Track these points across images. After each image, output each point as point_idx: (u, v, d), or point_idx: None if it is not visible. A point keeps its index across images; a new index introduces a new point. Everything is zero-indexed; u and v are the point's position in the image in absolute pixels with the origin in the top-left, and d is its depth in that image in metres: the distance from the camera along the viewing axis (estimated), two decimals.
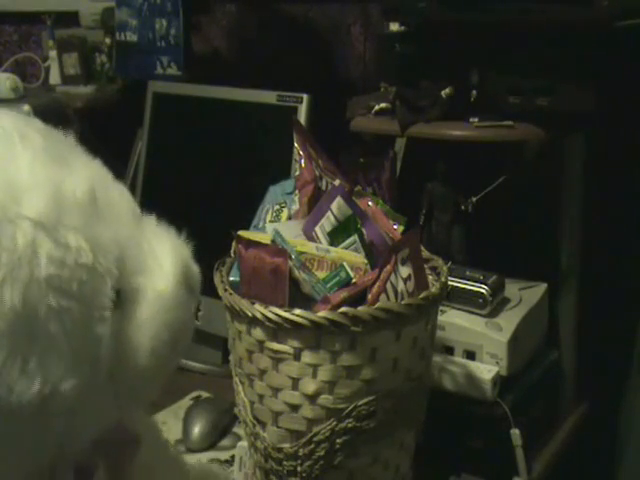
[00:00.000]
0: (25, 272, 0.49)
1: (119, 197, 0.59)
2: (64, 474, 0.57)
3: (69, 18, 1.63)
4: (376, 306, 0.73)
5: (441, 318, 0.99)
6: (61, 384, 0.51)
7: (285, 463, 0.79)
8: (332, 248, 0.82)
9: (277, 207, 0.91)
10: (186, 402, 1.14)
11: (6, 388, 0.49)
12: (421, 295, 0.76)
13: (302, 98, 1.19)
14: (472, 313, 1.01)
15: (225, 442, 1.06)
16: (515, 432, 0.96)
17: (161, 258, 0.59)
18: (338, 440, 0.76)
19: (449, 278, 0.86)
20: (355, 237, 0.82)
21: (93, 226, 0.54)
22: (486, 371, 0.96)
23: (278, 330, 0.74)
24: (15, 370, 0.49)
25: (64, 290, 0.51)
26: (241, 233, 0.83)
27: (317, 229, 0.85)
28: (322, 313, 0.72)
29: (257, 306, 0.74)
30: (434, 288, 0.79)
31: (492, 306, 1.01)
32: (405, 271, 0.77)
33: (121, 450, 0.61)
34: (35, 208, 0.51)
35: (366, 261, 0.81)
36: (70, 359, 0.52)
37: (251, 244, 0.78)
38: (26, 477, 0.55)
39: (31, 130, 0.56)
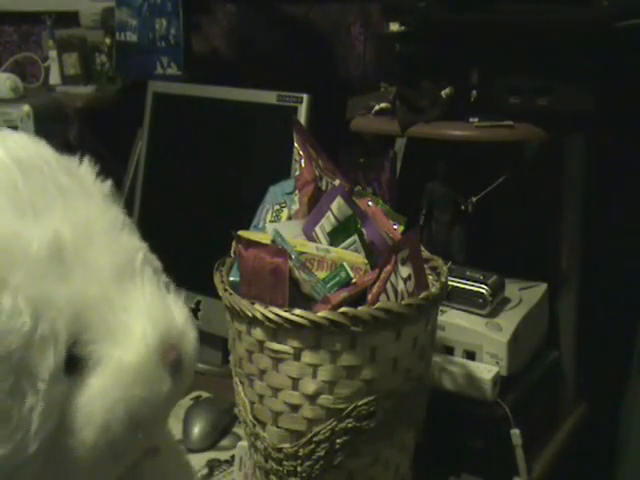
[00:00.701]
0: None
1: (103, 251, 0.53)
2: None
3: (69, 18, 1.63)
4: (376, 306, 0.73)
5: (441, 318, 0.99)
6: None
7: (285, 463, 0.79)
8: (332, 248, 0.82)
9: (277, 207, 0.91)
10: (186, 402, 1.14)
11: None
12: (421, 295, 0.76)
13: (302, 98, 1.19)
14: (472, 313, 1.01)
15: (225, 442, 1.06)
16: (515, 432, 0.96)
17: (134, 324, 0.52)
18: (338, 440, 0.76)
19: (449, 278, 0.86)
20: (355, 237, 0.82)
21: (46, 284, 0.49)
22: (486, 371, 0.96)
23: (278, 330, 0.74)
24: None
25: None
26: (241, 233, 0.83)
27: (317, 229, 0.85)
28: (322, 313, 0.72)
29: (257, 306, 0.74)
30: (434, 288, 0.79)
31: (492, 306, 1.01)
32: (405, 271, 0.77)
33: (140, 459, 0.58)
34: None
35: (366, 261, 0.81)
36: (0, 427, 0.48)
37: (251, 244, 0.78)
38: None
39: (17, 165, 0.52)
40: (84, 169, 0.58)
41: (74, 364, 0.50)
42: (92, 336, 0.51)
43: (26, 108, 1.41)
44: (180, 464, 0.68)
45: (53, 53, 1.63)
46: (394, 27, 1.09)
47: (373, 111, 1.06)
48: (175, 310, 0.55)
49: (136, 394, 0.51)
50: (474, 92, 0.99)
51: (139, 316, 0.52)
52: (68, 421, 0.50)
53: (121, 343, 0.51)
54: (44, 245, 0.49)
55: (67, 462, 0.51)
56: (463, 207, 1.10)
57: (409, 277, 0.78)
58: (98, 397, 0.51)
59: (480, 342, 0.99)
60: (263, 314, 0.73)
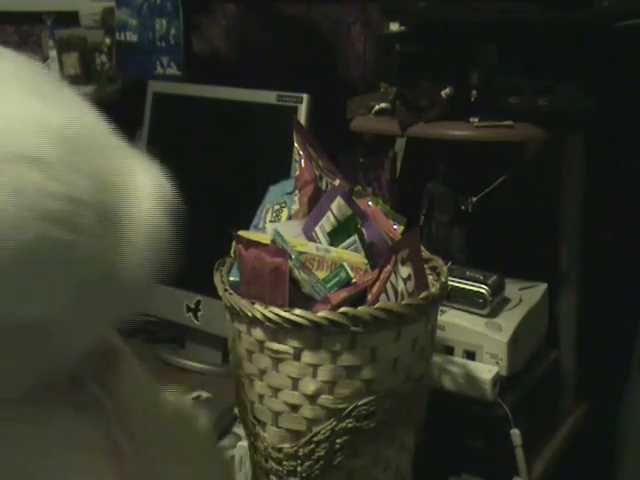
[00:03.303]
0: (13, 202, 0.52)
1: (97, 127, 0.62)
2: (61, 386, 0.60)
3: (69, 18, 1.63)
4: (376, 306, 0.73)
5: (441, 318, 0.99)
6: (54, 306, 0.54)
7: (285, 463, 0.79)
8: (332, 248, 0.82)
9: (277, 207, 0.91)
10: None
11: (7, 311, 0.53)
12: (421, 295, 0.76)
13: (302, 98, 1.19)
14: (472, 313, 1.01)
15: (225, 442, 1.06)
16: (515, 432, 0.96)
17: (142, 185, 0.63)
18: (338, 440, 0.76)
19: (449, 278, 0.86)
20: (355, 237, 0.82)
21: (78, 157, 0.57)
22: (486, 371, 0.96)
23: (278, 330, 0.74)
24: (12, 294, 0.52)
25: (52, 218, 0.54)
26: (241, 233, 0.83)
27: (317, 229, 0.85)
28: (322, 313, 0.72)
29: (257, 306, 0.74)
30: (434, 288, 0.79)
31: (492, 306, 1.01)
32: (405, 271, 0.77)
33: (105, 359, 0.63)
34: (25, 144, 0.54)
35: (366, 261, 0.81)
36: (62, 282, 0.55)
37: (251, 244, 0.78)
38: (25, 392, 0.57)
39: (7, 62, 0.59)
40: None
41: (105, 222, 0.58)
42: (113, 198, 0.59)
43: None
44: (147, 376, 0.71)
45: (53, 53, 1.63)
46: (394, 27, 1.09)
47: (373, 111, 1.06)
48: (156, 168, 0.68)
49: (159, 237, 0.62)
50: (474, 92, 0.99)
51: (145, 177, 0.65)
52: (112, 270, 0.58)
53: (137, 201, 0.61)
54: (68, 125, 0.58)
55: (115, 303, 0.60)
56: (463, 207, 1.10)
57: (409, 277, 0.78)
58: (133, 245, 0.60)
59: (480, 342, 0.99)
60: (263, 314, 0.73)
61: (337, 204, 0.84)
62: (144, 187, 0.63)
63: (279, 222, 0.89)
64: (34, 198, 0.53)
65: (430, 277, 0.85)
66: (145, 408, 0.67)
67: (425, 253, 0.87)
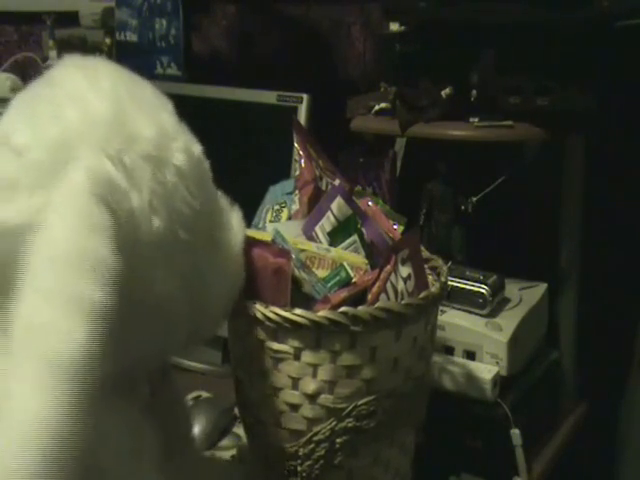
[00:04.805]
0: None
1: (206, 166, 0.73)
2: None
3: (69, 18, 1.63)
4: (376, 306, 0.73)
5: (441, 318, 0.99)
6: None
7: (285, 463, 0.79)
8: (332, 248, 0.82)
9: (277, 207, 0.91)
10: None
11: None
12: (421, 295, 0.76)
13: (302, 98, 1.19)
14: (472, 313, 1.01)
15: (225, 442, 1.06)
16: (515, 432, 0.96)
17: (232, 223, 0.74)
18: (338, 440, 0.76)
19: (449, 278, 0.86)
20: (355, 237, 0.82)
21: (200, 184, 0.67)
22: (486, 371, 0.96)
23: (278, 330, 0.74)
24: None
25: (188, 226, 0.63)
26: None
27: (317, 229, 0.85)
28: (322, 313, 0.72)
29: (257, 306, 0.74)
30: (434, 288, 0.79)
31: (492, 306, 1.01)
32: (405, 271, 0.77)
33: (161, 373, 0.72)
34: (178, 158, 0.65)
35: (366, 261, 0.81)
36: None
37: (255, 243, 0.78)
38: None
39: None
40: None
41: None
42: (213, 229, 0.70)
43: None
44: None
45: (53, 53, 1.63)
46: (394, 27, 1.09)
47: (373, 111, 1.06)
48: None
49: (240, 272, 0.74)
50: (474, 92, 0.99)
51: (233, 214, 0.74)
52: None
53: (228, 233, 0.72)
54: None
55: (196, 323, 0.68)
56: (463, 207, 1.10)
57: (409, 277, 0.78)
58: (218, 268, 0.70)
59: (480, 342, 0.99)
60: (263, 314, 0.73)
61: (337, 204, 0.84)
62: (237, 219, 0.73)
63: (279, 222, 0.89)
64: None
65: (430, 277, 0.85)
66: (179, 415, 0.74)
67: (425, 253, 0.87)
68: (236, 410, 0.88)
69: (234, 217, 0.74)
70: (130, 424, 0.64)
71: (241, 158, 1.28)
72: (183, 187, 0.63)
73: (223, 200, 0.73)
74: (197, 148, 0.70)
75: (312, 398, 0.75)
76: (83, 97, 0.63)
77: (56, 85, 0.66)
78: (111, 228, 0.56)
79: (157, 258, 0.61)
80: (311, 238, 0.85)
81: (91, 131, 0.60)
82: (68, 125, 0.60)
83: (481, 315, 1.01)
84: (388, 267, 0.76)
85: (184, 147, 0.67)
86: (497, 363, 0.98)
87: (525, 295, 1.08)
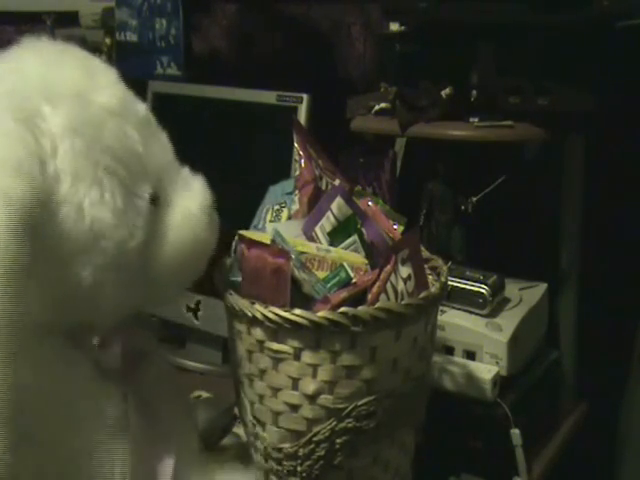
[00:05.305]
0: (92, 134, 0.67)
1: (164, 134, 0.77)
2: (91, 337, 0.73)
3: (69, 18, 1.63)
4: (376, 306, 0.73)
5: (441, 318, 0.99)
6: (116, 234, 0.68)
7: (285, 463, 0.79)
8: (332, 248, 0.82)
9: (277, 207, 0.91)
10: None
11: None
12: (421, 295, 0.76)
13: (302, 98, 1.19)
14: (472, 313, 1.01)
15: (225, 442, 1.06)
16: (515, 432, 0.96)
17: (193, 188, 0.76)
18: (338, 440, 0.76)
19: (449, 278, 0.86)
20: (355, 237, 0.82)
21: (147, 137, 0.72)
22: (486, 371, 0.96)
23: (278, 330, 0.74)
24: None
25: (118, 158, 0.68)
26: (243, 233, 0.83)
27: (317, 229, 0.85)
28: (322, 313, 0.72)
29: (257, 306, 0.74)
30: (434, 288, 0.79)
31: (492, 306, 1.01)
32: (405, 271, 0.77)
33: (136, 347, 0.76)
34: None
35: (366, 261, 0.81)
36: (119, 216, 0.67)
37: (254, 244, 0.78)
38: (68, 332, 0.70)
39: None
40: None
41: (155, 199, 0.72)
42: (167, 185, 0.74)
43: None
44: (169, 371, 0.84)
45: None
46: (394, 27, 1.09)
47: (373, 111, 1.06)
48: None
49: (198, 232, 0.74)
50: (474, 92, 0.99)
51: (196, 183, 0.77)
52: (151, 243, 0.71)
53: (186, 197, 0.75)
54: (145, 113, 0.75)
55: (147, 271, 0.71)
56: (463, 207, 1.10)
57: (409, 277, 0.78)
58: (173, 229, 0.73)
59: (480, 342, 0.99)
60: (263, 314, 0.73)
61: (337, 204, 0.84)
62: (194, 191, 0.76)
63: (279, 222, 0.89)
64: (108, 138, 0.69)
65: (430, 277, 0.85)
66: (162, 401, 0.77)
67: (425, 253, 0.87)
68: (236, 410, 0.87)
69: (195, 180, 0.77)
70: (82, 374, 0.70)
71: (241, 158, 1.28)
72: (112, 122, 0.69)
73: (185, 169, 0.78)
74: (142, 106, 0.75)
75: (312, 398, 0.75)
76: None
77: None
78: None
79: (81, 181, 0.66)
80: (311, 238, 0.85)
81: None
82: None
83: (481, 315, 1.01)
84: (388, 267, 0.75)
85: (111, 91, 0.72)
86: (497, 363, 0.98)
87: (525, 295, 1.08)
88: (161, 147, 0.75)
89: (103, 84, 0.72)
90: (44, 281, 0.67)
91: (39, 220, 0.61)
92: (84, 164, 0.66)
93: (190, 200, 0.75)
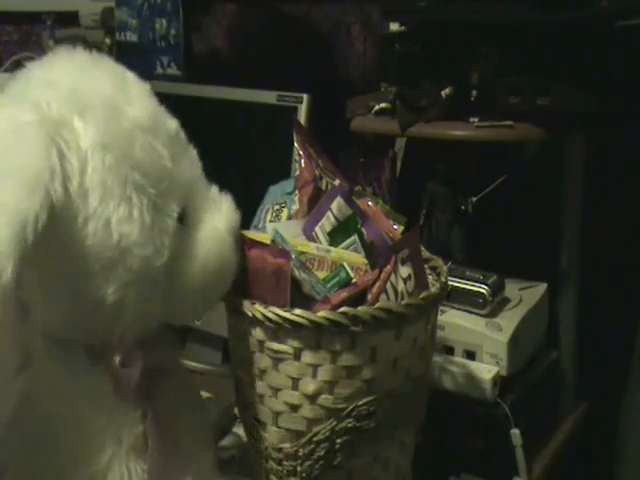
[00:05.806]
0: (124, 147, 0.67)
1: (193, 150, 0.77)
2: (113, 353, 0.71)
3: (69, 18, 1.63)
4: (376, 306, 0.73)
5: (441, 318, 0.99)
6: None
7: (285, 463, 0.79)
8: (332, 248, 0.82)
9: (277, 207, 0.91)
10: None
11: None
12: (421, 295, 0.76)
13: (302, 98, 1.19)
14: (472, 313, 1.01)
15: (225, 442, 1.06)
16: (515, 432, 0.96)
17: (222, 208, 0.75)
18: (338, 440, 0.76)
19: (449, 278, 0.86)
20: (355, 237, 0.82)
21: (177, 153, 0.72)
22: (486, 371, 0.97)
23: (278, 330, 0.74)
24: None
25: (148, 174, 0.67)
26: (244, 232, 0.83)
27: (317, 229, 0.85)
28: (322, 313, 0.72)
29: (257, 306, 0.74)
30: (434, 288, 0.79)
31: (492, 306, 1.01)
32: (405, 271, 0.77)
33: (157, 365, 0.74)
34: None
35: (366, 261, 0.81)
36: (146, 233, 0.67)
37: (254, 244, 0.78)
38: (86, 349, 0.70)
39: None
40: None
41: (183, 217, 0.71)
42: (196, 202, 0.73)
43: None
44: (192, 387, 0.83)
45: None
46: (394, 27, 1.09)
47: (373, 111, 1.06)
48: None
49: (224, 251, 0.74)
50: (474, 92, 0.99)
51: (224, 203, 0.76)
52: (177, 260, 0.70)
53: (214, 216, 0.74)
54: (175, 129, 0.76)
55: (172, 288, 0.70)
56: (463, 207, 1.10)
57: (409, 277, 0.78)
58: (199, 246, 0.72)
59: (480, 342, 0.99)
60: (263, 314, 0.73)
61: (337, 204, 0.84)
62: (222, 210, 0.76)
63: (279, 222, 0.89)
64: (137, 150, 0.68)
65: (430, 277, 0.85)
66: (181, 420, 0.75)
67: (425, 253, 0.87)
68: (236, 410, 0.87)
69: (224, 201, 0.76)
70: (100, 392, 0.70)
71: (241, 158, 1.28)
72: (142, 138, 0.68)
73: (214, 187, 0.77)
74: (173, 122, 0.77)
75: (312, 398, 0.75)
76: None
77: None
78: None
79: (109, 193, 0.65)
80: (311, 238, 0.85)
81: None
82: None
83: (481, 315, 1.01)
84: (388, 267, 0.76)
85: (143, 105, 0.72)
86: (497, 363, 0.98)
87: (525, 295, 1.08)
88: (190, 164, 0.75)
89: (135, 98, 0.71)
90: (67, 296, 0.67)
91: (51, 235, 0.60)
92: (113, 180, 0.65)
93: (218, 221, 0.74)
